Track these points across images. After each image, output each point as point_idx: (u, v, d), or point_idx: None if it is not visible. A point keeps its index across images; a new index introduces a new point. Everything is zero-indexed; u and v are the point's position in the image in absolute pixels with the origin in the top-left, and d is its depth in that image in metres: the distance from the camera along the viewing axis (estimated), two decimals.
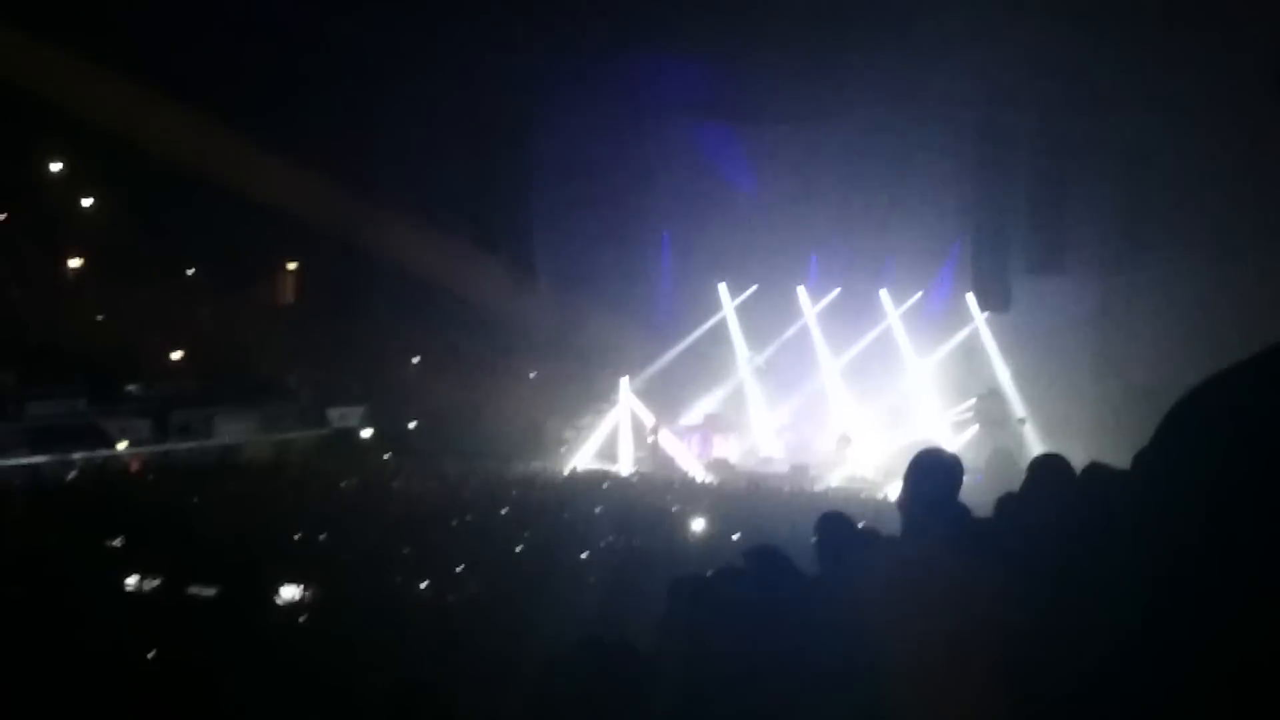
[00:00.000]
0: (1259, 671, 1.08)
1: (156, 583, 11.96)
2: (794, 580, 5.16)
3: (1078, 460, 7.14)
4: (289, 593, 12.12)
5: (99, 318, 28.05)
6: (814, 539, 5.84)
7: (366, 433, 29.29)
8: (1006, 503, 6.24)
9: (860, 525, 6.24)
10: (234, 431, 26.99)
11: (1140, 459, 1.25)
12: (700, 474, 27.77)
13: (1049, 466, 6.35)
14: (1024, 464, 6.94)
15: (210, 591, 11.22)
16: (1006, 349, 29.89)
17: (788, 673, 4.29)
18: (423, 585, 13.17)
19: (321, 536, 16.08)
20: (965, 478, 5.10)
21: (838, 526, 5.85)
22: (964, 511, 5.22)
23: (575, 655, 4.97)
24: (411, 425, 29.82)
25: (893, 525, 5.74)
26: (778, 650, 4.37)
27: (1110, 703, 1.23)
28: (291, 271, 32.60)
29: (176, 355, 29.01)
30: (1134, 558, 1.23)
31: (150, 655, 8.36)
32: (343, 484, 22.48)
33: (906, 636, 4.23)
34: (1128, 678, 1.20)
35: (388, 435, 29.15)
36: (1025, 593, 4.41)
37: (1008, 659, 4.20)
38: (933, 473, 4.85)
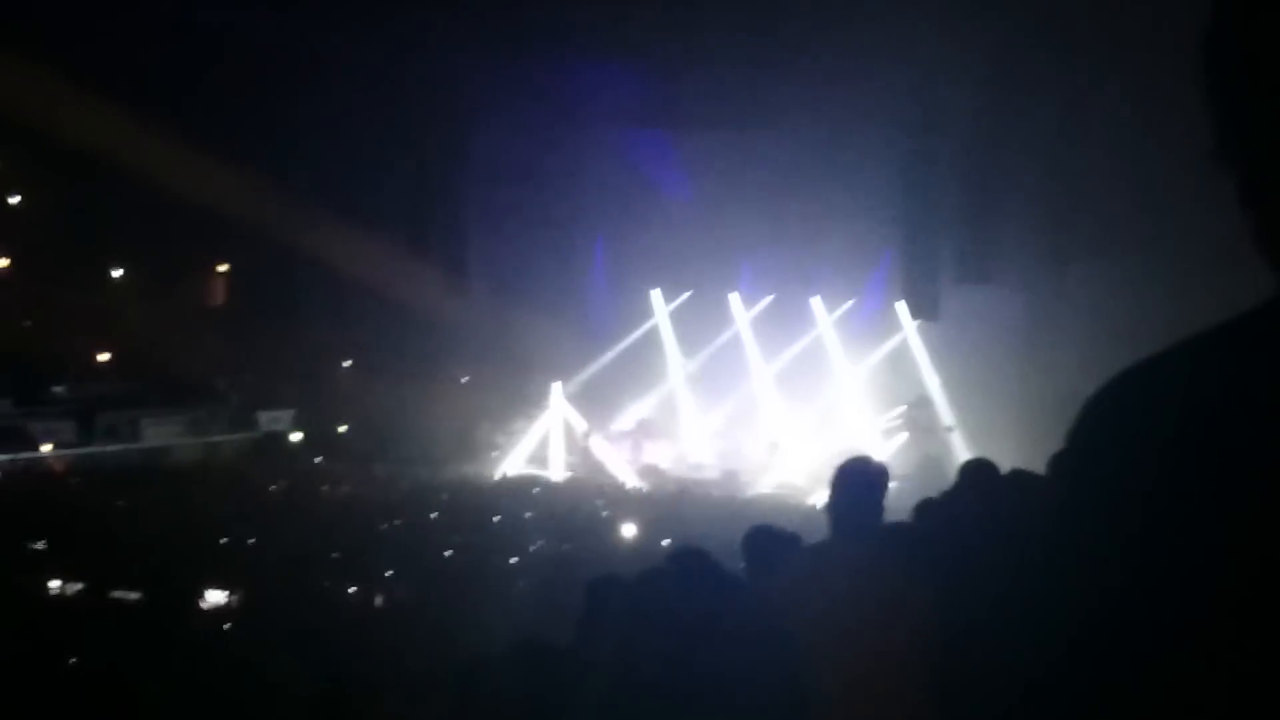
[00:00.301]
0: (1187, 671, 1.10)
1: (80, 587, 11.84)
2: (719, 583, 5.18)
3: (1004, 466, 7.23)
4: (215, 597, 12.03)
5: (24, 318, 27.68)
6: (742, 557, 5.86)
7: (296, 436, 29.10)
8: (927, 508, 6.30)
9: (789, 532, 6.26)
10: (161, 434, 26.72)
11: (1056, 460, 1.27)
12: (632, 479, 27.77)
13: (978, 471, 6.42)
14: (953, 471, 7.01)
15: (135, 596, 11.12)
16: (936, 357, 30.09)
17: (711, 676, 4.31)
18: (351, 589, 13.11)
19: (250, 540, 15.97)
20: (894, 484, 5.14)
21: (766, 540, 5.87)
22: (883, 519, 5.25)
23: (505, 657, 4.97)
24: (342, 429, 29.67)
25: (821, 532, 5.77)
26: (701, 653, 4.38)
27: (1035, 704, 1.25)
28: (221, 273, 32.32)
29: (103, 357, 28.69)
30: (1056, 561, 1.25)
31: (72, 660, 8.28)
32: (272, 488, 22.33)
33: (831, 641, 4.26)
34: (1050, 679, 1.22)
35: (318, 439, 28.98)
36: (949, 598, 4.46)
37: (930, 663, 4.25)
38: (857, 481, 4.89)
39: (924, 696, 4.17)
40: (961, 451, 25.75)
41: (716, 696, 4.16)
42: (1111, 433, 1.22)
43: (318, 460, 26.80)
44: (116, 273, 30.20)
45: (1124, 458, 1.18)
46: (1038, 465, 7.29)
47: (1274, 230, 1.19)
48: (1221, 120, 1.21)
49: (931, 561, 4.99)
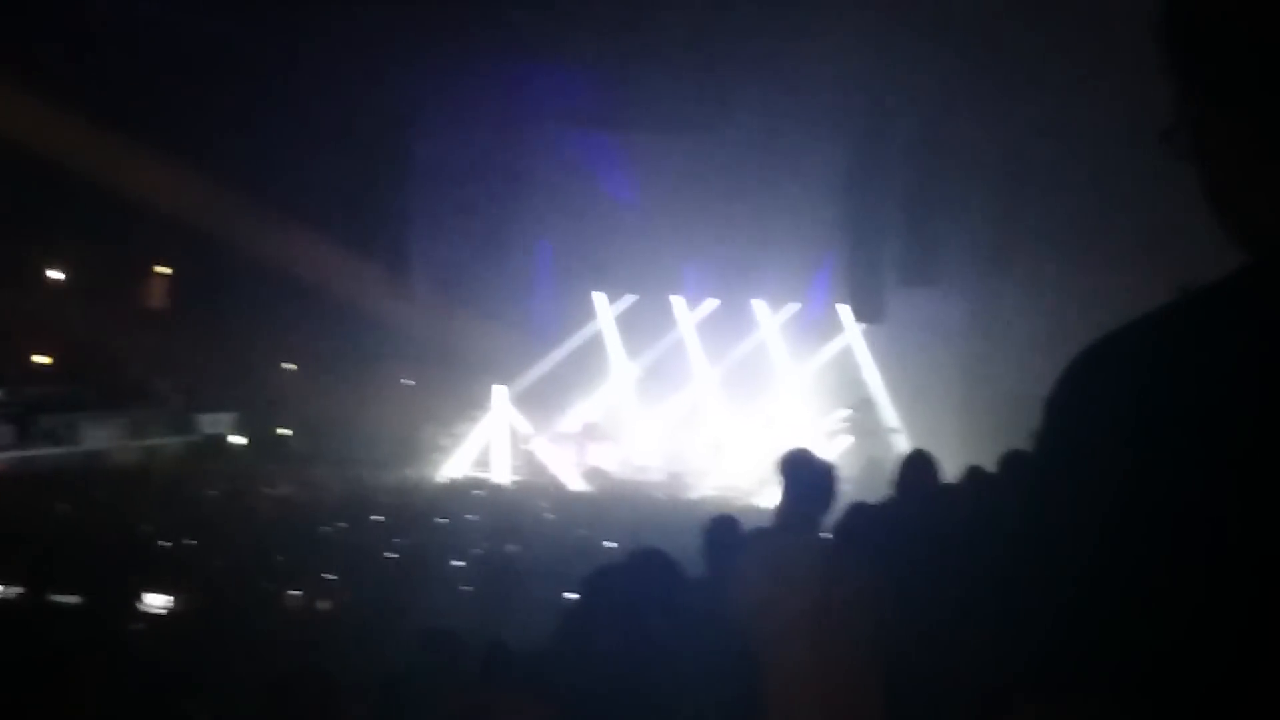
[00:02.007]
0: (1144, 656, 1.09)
1: (18, 591, 11.70)
2: (678, 581, 5.19)
3: (950, 468, 7.28)
4: (155, 600, 11.91)
5: None
6: (703, 541, 5.88)
7: (237, 439, 28.91)
8: (860, 510, 6.33)
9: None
10: (101, 437, 26.46)
11: (1009, 457, 1.25)
12: (576, 482, 27.77)
13: (917, 462, 6.49)
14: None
15: (73, 600, 11.00)
16: (880, 360, 30.27)
17: (669, 671, 4.30)
18: (294, 592, 13.02)
19: (190, 544, 15.83)
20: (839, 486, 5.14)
21: (728, 528, 5.90)
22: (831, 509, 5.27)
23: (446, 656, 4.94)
24: (284, 431, 29.50)
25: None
26: (660, 648, 4.38)
27: (979, 689, 1.24)
28: (162, 275, 32.04)
29: (42, 359, 28.37)
30: (1016, 549, 1.25)
31: (9, 663, 8.16)
32: (212, 491, 22.16)
33: (779, 633, 4.26)
34: (1003, 666, 1.22)
35: (259, 442, 28.80)
36: (901, 589, 4.48)
37: (883, 653, 4.27)
38: (809, 473, 4.89)
39: (873, 685, 4.19)
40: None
41: (675, 688, 4.15)
42: (1075, 413, 1.22)
43: (259, 463, 26.61)
44: (55, 274, 29.87)
45: (1089, 438, 1.18)
46: (983, 463, 7.37)
47: (1229, 207, 1.20)
48: (1179, 99, 1.22)
49: (884, 552, 5.01)
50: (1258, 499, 1.06)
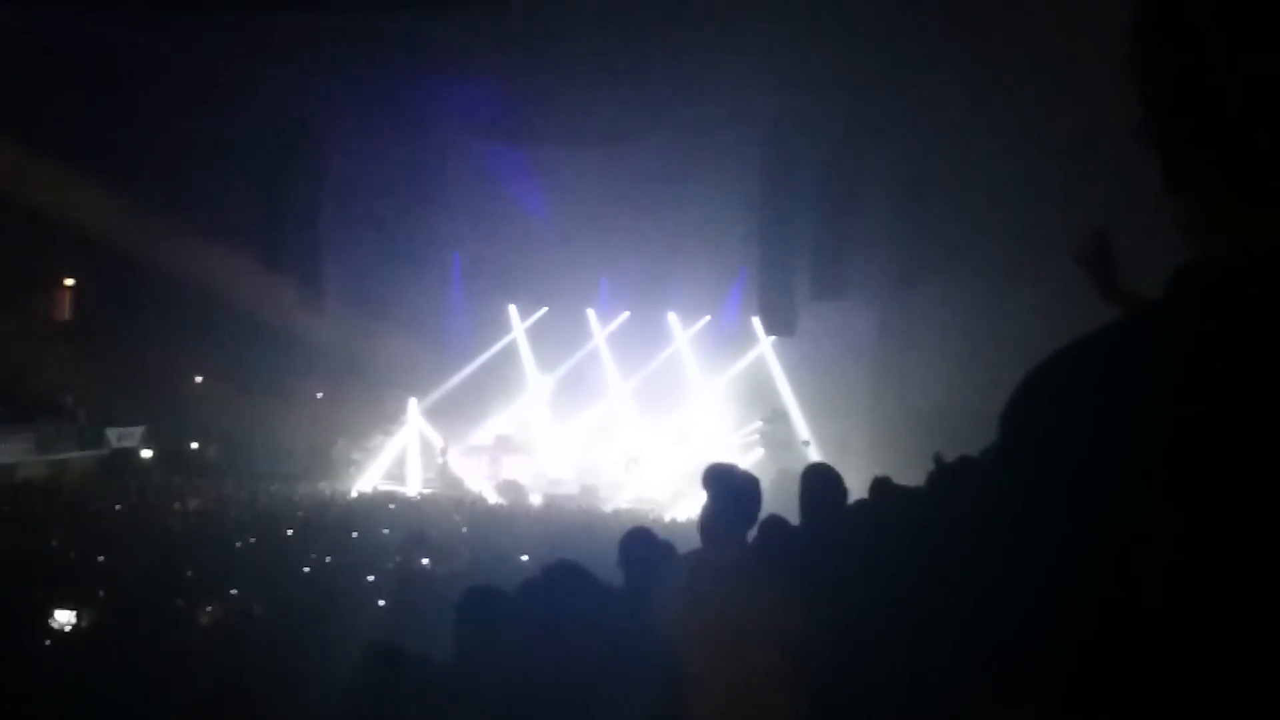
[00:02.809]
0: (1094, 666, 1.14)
1: None
2: (594, 594, 5.24)
3: (859, 480, 7.39)
4: (64, 616, 11.77)
5: None
6: (619, 553, 5.93)
7: (147, 453, 28.58)
8: (772, 526, 6.42)
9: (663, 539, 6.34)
10: (7, 452, 26.03)
11: (938, 475, 1.29)
12: (490, 495, 27.72)
13: (818, 475, 6.58)
14: None
15: None
16: (791, 372, 30.49)
17: (584, 686, 4.35)
18: (206, 608, 12.90)
19: (99, 559, 15.65)
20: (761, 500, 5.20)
21: (643, 541, 5.95)
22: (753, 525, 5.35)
23: (368, 663, 4.96)
24: (194, 445, 29.20)
25: (682, 543, 5.85)
26: (576, 663, 4.43)
27: (893, 701, 1.30)
28: (68, 287, 31.62)
29: None
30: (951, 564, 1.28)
31: None
32: (120, 506, 21.89)
33: (704, 648, 4.33)
34: (928, 680, 1.26)
35: (169, 456, 28.50)
36: (823, 603, 4.56)
37: (802, 667, 4.33)
38: (733, 486, 4.96)
39: (797, 701, 4.26)
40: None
41: (591, 703, 4.20)
42: (1029, 428, 1.26)
43: (169, 477, 26.33)
44: None
45: (1042, 453, 1.22)
46: (892, 476, 7.49)
47: (1196, 215, 1.24)
48: (1148, 106, 1.25)
49: (797, 567, 5.10)
50: (1206, 512, 1.10)
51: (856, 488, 7.50)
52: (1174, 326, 1.21)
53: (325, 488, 27.31)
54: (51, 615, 11.76)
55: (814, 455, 27.24)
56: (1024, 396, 1.29)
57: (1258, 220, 1.19)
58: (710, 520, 4.91)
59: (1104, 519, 1.14)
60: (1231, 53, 1.18)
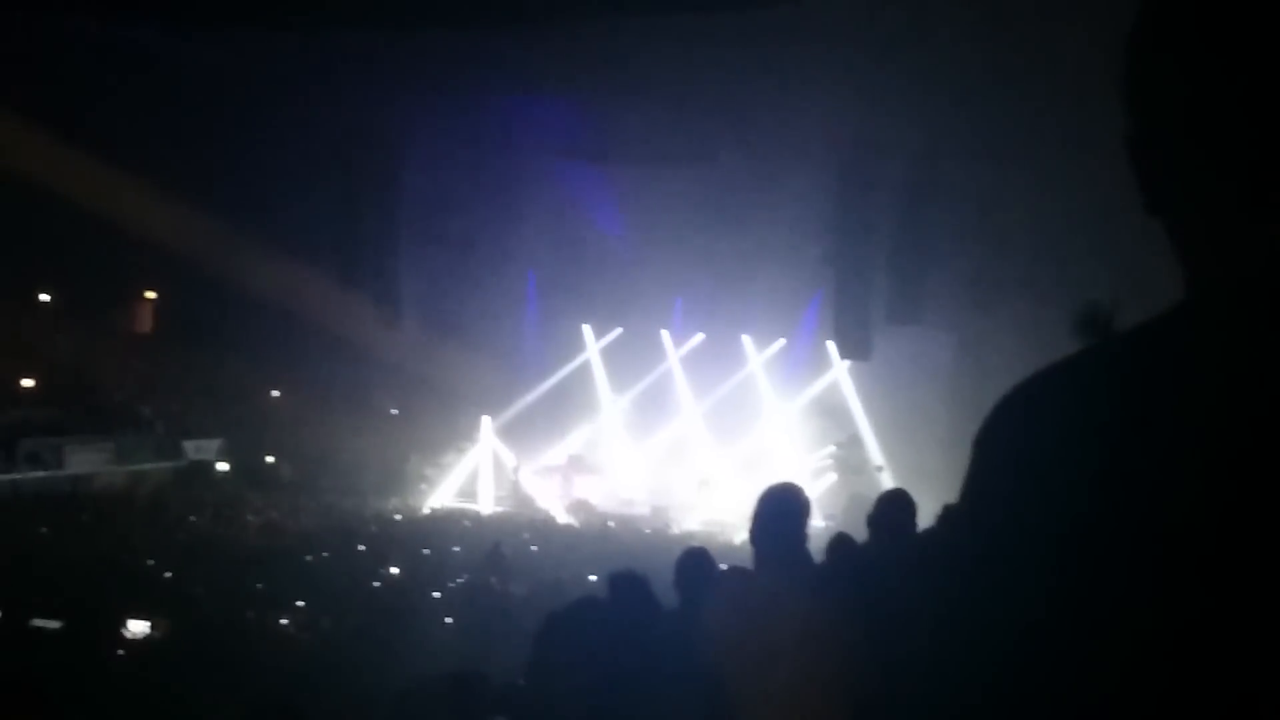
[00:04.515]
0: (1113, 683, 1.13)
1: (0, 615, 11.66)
2: (654, 607, 5.23)
3: (933, 506, 7.32)
4: (138, 627, 11.88)
5: None
6: (675, 573, 5.92)
7: (223, 466, 28.85)
8: (839, 544, 6.37)
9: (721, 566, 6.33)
10: (86, 462, 26.38)
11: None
12: (561, 514, 27.74)
13: (893, 500, 6.54)
14: None
15: (56, 625, 10.97)
16: (866, 397, 30.28)
17: (641, 697, 4.33)
18: (277, 621, 12.99)
19: (173, 570, 15.80)
20: (822, 524, 5.17)
21: (698, 562, 5.94)
22: (804, 543, 5.31)
23: (429, 688, 4.96)
24: (269, 459, 29.44)
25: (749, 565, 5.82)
26: (633, 674, 4.41)
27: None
28: (149, 300, 32.03)
29: (28, 382, 28.33)
30: (972, 586, 1.27)
31: None
32: (194, 518, 22.12)
33: (757, 667, 4.29)
34: (971, 703, 1.24)
35: (244, 469, 28.74)
36: (870, 622, 4.51)
37: (850, 687, 4.29)
38: (777, 505, 4.93)
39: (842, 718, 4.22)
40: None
41: (647, 716, 4.18)
42: (1002, 453, 1.26)
43: (244, 490, 26.56)
44: (43, 297, 29.87)
45: (1017, 479, 1.21)
46: None
47: (1180, 235, 1.23)
48: (1132, 126, 1.26)
49: (854, 587, 5.05)
50: (1193, 536, 1.08)
51: (929, 514, 7.43)
52: (1149, 349, 1.20)
53: (398, 503, 27.46)
54: (125, 624, 11.87)
55: (887, 480, 27.07)
56: (996, 419, 1.28)
57: (1239, 242, 1.17)
58: (753, 536, 4.91)
59: (1077, 541, 1.13)
60: (1224, 73, 1.16)
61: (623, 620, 4.85)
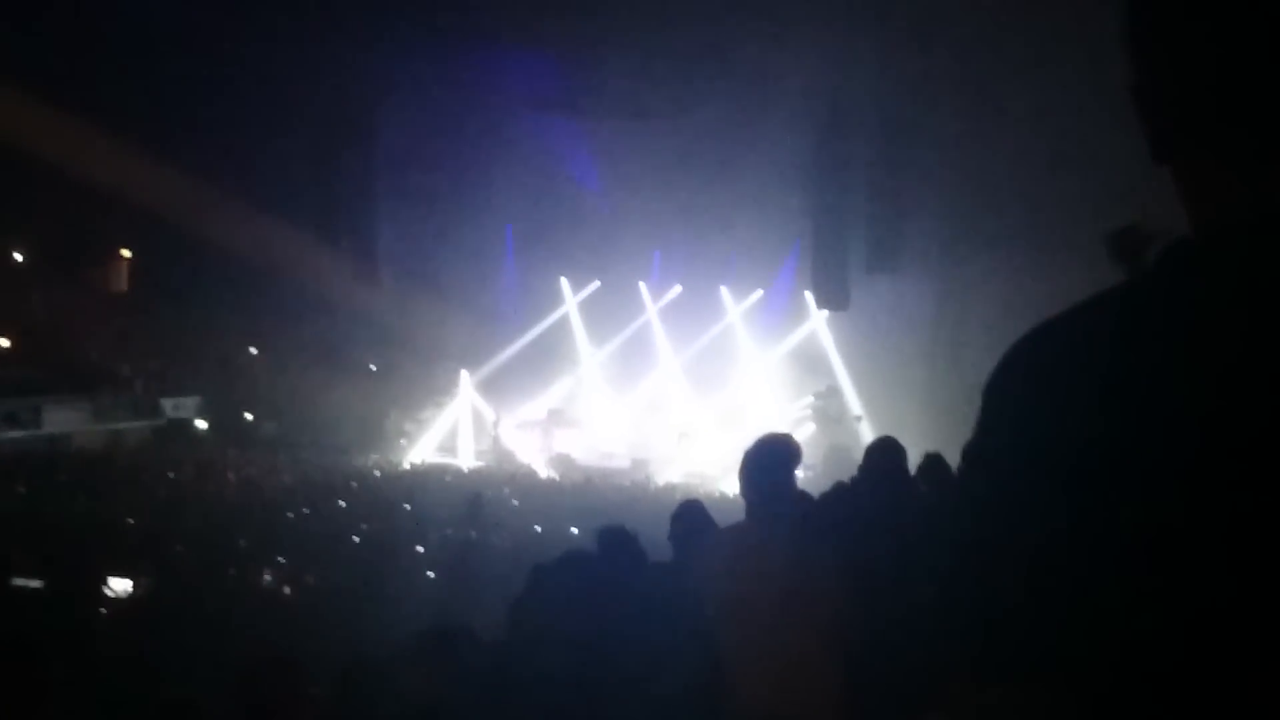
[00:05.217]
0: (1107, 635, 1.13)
1: None
2: (641, 560, 5.24)
3: (913, 455, 7.34)
4: (120, 585, 11.87)
5: None
6: (671, 525, 5.94)
7: (201, 424, 28.80)
8: (838, 491, 6.39)
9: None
10: (64, 421, 26.28)
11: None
12: (542, 468, 27.78)
13: (884, 448, 6.57)
14: (860, 460, 7.13)
15: (36, 584, 10.95)
16: (845, 347, 30.35)
17: (632, 650, 4.34)
18: (259, 577, 12.99)
19: (154, 528, 15.77)
20: (800, 471, 5.17)
21: (693, 514, 5.96)
22: (799, 495, 5.32)
23: (418, 643, 4.97)
24: (248, 416, 29.39)
25: (732, 517, 5.83)
26: (624, 627, 4.42)
27: (941, 673, 1.28)
28: (126, 259, 31.84)
29: (3, 342, 28.17)
30: (963, 536, 1.28)
31: None
32: (174, 475, 22.07)
33: (748, 616, 4.31)
34: (958, 651, 1.25)
35: (223, 426, 28.69)
36: (860, 572, 4.53)
37: (842, 637, 4.32)
38: (766, 457, 4.93)
39: (837, 671, 4.24)
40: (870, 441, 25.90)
41: (640, 667, 4.19)
42: (1013, 400, 1.26)
43: (223, 448, 26.52)
44: (17, 256, 29.66)
45: (1027, 426, 1.22)
46: (946, 454, 7.42)
47: (1188, 182, 1.24)
48: (1138, 75, 1.26)
49: (845, 537, 5.07)
50: (1199, 485, 1.09)
51: (909, 463, 7.46)
52: (1155, 298, 1.21)
53: (378, 459, 27.47)
54: (105, 583, 11.86)
55: (866, 430, 27.17)
56: (1004, 370, 1.31)
57: (1242, 190, 1.18)
58: (745, 489, 4.91)
59: (1081, 494, 1.14)
60: (1228, 23, 1.17)
61: (613, 574, 4.86)
